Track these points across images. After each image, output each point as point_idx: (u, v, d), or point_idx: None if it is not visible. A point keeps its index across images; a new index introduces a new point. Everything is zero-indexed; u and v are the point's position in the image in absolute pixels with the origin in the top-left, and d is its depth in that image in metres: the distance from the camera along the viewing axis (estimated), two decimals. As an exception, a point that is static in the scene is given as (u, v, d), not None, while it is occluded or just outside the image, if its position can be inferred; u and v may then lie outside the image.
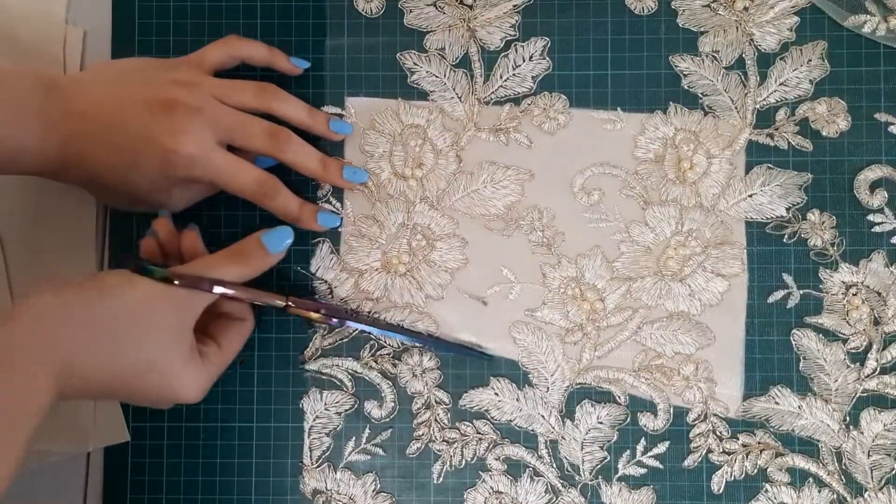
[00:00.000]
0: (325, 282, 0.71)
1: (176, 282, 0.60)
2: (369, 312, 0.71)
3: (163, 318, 0.60)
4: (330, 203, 0.72)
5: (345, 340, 0.71)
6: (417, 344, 0.71)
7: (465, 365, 0.71)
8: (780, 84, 0.70)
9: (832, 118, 0.70)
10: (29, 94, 0.62)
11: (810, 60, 0.70)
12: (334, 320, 0.68)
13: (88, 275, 0.61)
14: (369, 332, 0.71)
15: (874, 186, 0.69)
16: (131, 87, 0.64)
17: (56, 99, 0.62)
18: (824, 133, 0.70)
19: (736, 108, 0.70)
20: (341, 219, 0.71)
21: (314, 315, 0.68)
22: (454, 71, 0.72)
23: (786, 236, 0.70)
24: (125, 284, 0.60)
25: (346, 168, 0.70)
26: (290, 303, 0.67)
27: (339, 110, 0.72)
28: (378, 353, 0.71)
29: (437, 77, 0.72)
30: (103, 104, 0.63)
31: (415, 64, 0.72)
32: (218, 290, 0.62)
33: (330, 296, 0.71)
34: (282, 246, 0.65)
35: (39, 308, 0.56)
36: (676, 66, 0.71)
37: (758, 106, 0.70)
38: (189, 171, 0.64)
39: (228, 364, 0.66)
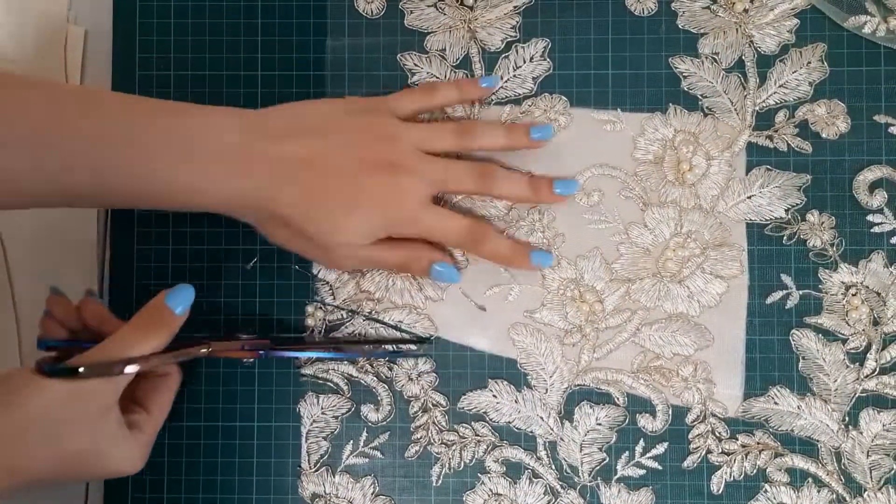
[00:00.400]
0: (327, 283, 0.71)
1: (82, 370, 0.58)
2: (312, 332, 0.71)
3: (81, 413, 0.59)
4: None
5: (340, 344, 0.71)
6: (347, 358, 0.71)
7: (465, 365, 0.71)
8: (780, 86, 0.70)
9: (832, 120, 0.70)
10: (219, 134, 0.62)
11: (810, 63, 0.70)
12: (260, 353, 0.68)
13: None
14: (294, 357, 0.71)
15: (874, 187, 0.70)
16: (336, 139, 0.64)
17: (255, 143, 0.63)
18: (824, 135, 0.70)
19: (735, 109, 0.70)
20: (551, 257, 0.70)
21: (240, 354, 0.68)
22: (455, 72, 0.72)
23: (785, 237, 0.70)
24: (31, 389, 0.57)
25: (555, 183, 0.69)
26: (212, 349, 0.65)
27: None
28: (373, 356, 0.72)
29: (437, 78, 0.72)
30: (312, 156, 0.63)
31: (415, 65, 0.72)
32: (131, 369, 0.59)
33: (332, 297, 0.71)
34: (187, 304, 0.63)
35: None
36: (676, 68, 0.71)
37: (757, 108, 0.70)
38: (402, 229, 0.65)
39: (162, 424, 0.66)
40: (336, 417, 0.71)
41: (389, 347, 0.70)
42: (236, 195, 0.62)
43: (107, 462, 0.61)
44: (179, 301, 0.62)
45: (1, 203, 0.60)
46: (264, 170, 0.62)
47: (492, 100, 0.71)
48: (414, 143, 0.66)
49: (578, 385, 0.70)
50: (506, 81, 0.72)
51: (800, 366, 0.69)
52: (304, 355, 0.70)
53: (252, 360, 0.70)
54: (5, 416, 0.56)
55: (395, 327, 0.71)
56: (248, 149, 0.62)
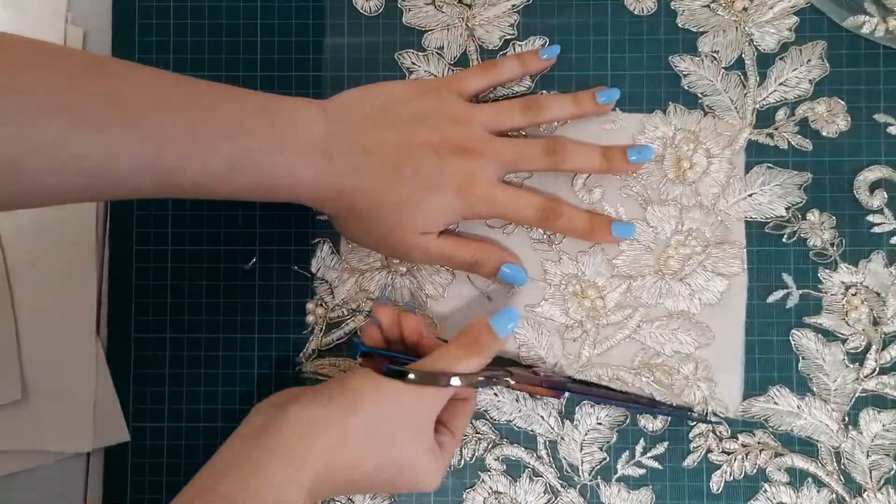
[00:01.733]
0: (326, 282, 0.71)
1: (411, 376, 0.60)
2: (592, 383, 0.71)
3: (412, 420, 0.61)
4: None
5: (341, 341, 0.72)
6: (640, 411, 0.71)
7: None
8: (780, 84, 0.70)
9: (832, 118, 0.70)
10: (309, 125, 0.62)
11: (810, 60, 0.70)
12: (564, 393, 0.69)
13: (335, 381, 0.61)
14: (590, 401, 0.71)
15: (874, 187, 0.69)
16: (410, 125, 0.65)
17: (337, 133, 0.63)
18: (824, 133, 0.70)
19: (735, 107, 0.70)
20: (633, 227, 0.70)
21: (541, 391, 0.68)
22: (452, 70, 0.72)
23: (785, 236, 0.70)
24: (374, 389, 0.60)
25: (629, 151, 0.69)
26: (514, 381, 0.66)
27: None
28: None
29: (435, 76, 0.72)
30: (388, 143, 0.64)
31: (413, 63, 0.72)
32: (455, 382, 0.61)
33: (331, 295, 0.71)
34: (509, 328, 0.64)
35: (302, 420, 0.57)
36: (676, 67, 0.71)
37: (757, 106, 0.70)
38: (476, 211, 0.66)
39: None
40: (336, 416, 0.71)
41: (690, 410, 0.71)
42: (325, 185, 0.63)
43: (418, 476, 0.62)
44: (504, 324, 0.63)
45: (92, 194, 0.59)
46: (346, 159, 0.62)
47: (489, 98, 0.71)
48: (484, 124, 0.66)
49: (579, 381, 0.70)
50: (505, 79, 0.72)
51: (799, 366, 0.69)
52: (602, 402, 0.71)
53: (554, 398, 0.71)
54: (354, 413, 0.59)
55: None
56: (333, 139, 0.62)
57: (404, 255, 0.68)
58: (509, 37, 0.72)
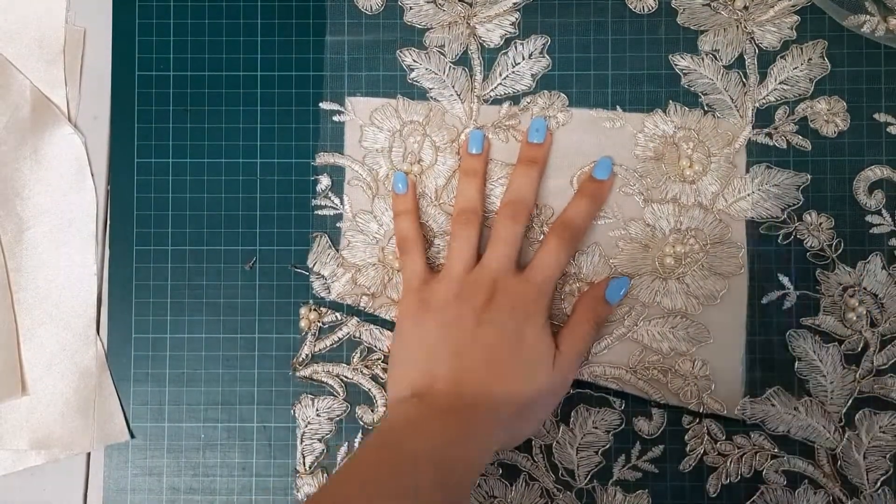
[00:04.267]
0: (322, 277, 0.72)
1: None
2: None
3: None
4: (329, 199, 0.72)
5: (335, 346, 0.72)
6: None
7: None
8: (780, 83, 0.70)
9: (831, 117, 0.70)
10: (487, 429, 0.64)
11: (810, 59, 0.70)
12: None
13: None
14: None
15: (873, 188, 0.69)
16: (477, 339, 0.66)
17: (504, 423, 0.65)
18: (823, 132, 0.70)
19: (736, 106, 0.70)
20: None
21: None
22: (453, 68, 0.72)
23: (782, 236, 0.70)
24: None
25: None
26: None
27: (338, 106, 0.72)
28: (369, 357, 0.72)
29: (436, 74, 0.72)
30: (522, 392, 0.65)
31: (414, 61, 0.72)
32: None
33: (327, 291, 0.72)
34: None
35: None
36: (676, 65, 0.71)
37: (757, 104, 0.70)
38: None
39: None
40: (331, 420, 0.71)
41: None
42: (495, 448, 0.66)
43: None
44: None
45: None
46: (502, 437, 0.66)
47: (490, 97, 0.71)
48: (505, 277, 0.68)
49: (574, 380, 0.70)
50: (504, 78, 0.72)
51: (796, 367, 0.69)
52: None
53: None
54: None
55: None
56: (468, 406, 0.64)
57: (561, 388, 0.69)
58: (510, 35, 0.71)
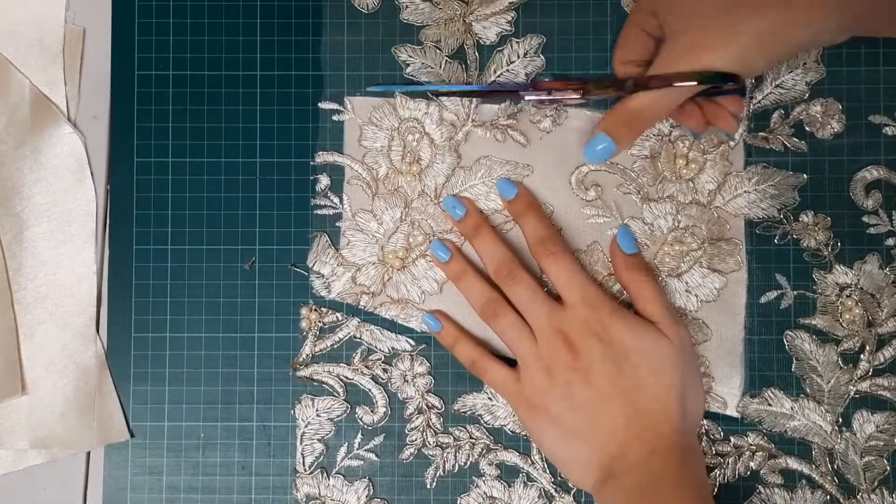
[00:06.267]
0: (322, 276, 0.72)
1: None
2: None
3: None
4: (328, 198, 0.72)
5: (335, 346, 0.72)
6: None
7: (462, 366, 0.71)
8: (776, 86, 0.70)
9: (827, 119, 0.70)
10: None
11: (805, 63, 0.70)
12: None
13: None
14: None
15: (869, 188, 0.70)
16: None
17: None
18: (819, 135, 0.70)
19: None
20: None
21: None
22: (449, 62, 0.72)
23: (779, 236, 0.70)
24: None
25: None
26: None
27: (337, 105, 0.72)
28: (369, 358, 0.72)
29: (432, 69, 0.72)
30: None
31: (409, 56, 0.72)
32: None
33: (326, 290, 0.72)
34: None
35: None
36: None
37: (754, 107, 0.70)
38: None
39: None
40: (331, 419, 0.71)
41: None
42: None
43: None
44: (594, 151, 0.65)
45: None
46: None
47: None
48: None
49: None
50: (498, 76, 0.72)
51: (793, 367, 0.70)
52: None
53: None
54: None
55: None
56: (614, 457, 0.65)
57: (688, 339, 0.69)
58: (507, 33, 0.72)
